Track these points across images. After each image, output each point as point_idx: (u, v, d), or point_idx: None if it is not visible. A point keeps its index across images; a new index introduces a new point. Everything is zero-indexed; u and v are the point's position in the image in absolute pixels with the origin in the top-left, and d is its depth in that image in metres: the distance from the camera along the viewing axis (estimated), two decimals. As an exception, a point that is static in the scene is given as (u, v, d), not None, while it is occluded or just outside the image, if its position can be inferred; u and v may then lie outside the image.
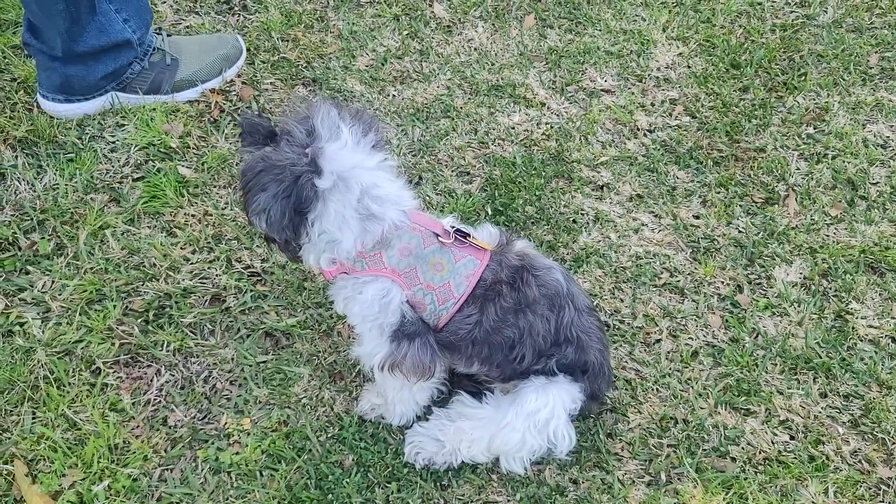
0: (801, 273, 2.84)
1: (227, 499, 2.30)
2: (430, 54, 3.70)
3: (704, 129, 3.34)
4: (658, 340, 2.67)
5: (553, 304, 2.23)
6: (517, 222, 2.99)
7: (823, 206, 3.05)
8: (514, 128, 3.36)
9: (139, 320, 2.66)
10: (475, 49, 3.73)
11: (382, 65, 3.63)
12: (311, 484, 2.33)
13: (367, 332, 2.23)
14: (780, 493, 2.31)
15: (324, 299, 2.76)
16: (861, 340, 2.66)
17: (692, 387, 2.54)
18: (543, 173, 3.16)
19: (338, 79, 3.54)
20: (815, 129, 3.34)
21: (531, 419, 2.21)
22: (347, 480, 2.33)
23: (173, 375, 2.56)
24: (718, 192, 3.10)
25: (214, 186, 3.09)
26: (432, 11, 3.91)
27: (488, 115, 3.41)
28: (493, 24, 3.86)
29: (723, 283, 2.82)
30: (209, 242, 2.90)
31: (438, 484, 2.35)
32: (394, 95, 3.49)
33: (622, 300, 2.78)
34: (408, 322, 2.19)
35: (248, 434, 2.43)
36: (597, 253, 2.90)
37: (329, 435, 2.44)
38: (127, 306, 2.69)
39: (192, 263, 2.84)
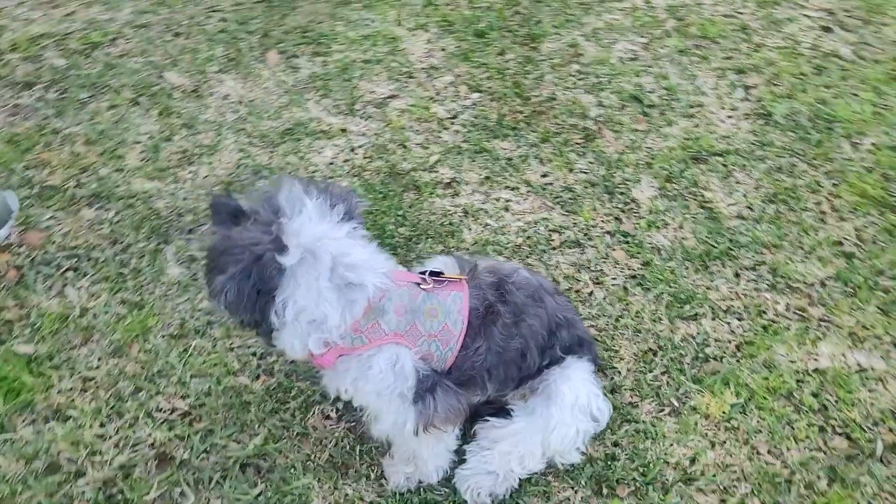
0: (652, 186, 3.16)
1: None
2: (196, 125, 3.45)
3: (496, 99, 3.52)
4: (590, 293, 2.82)
5: (535, 299, 2.28)
6: (400, 247, 2.95)
7: (630, 125, 3.39)
8: (332, 163, 3.28)
9: (100, 525, 2.25)
10: (239, 102, 3.55)
11: (156, 153, 3.32)
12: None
13: (387, 404, 2.12)
14: (764, 366, 2.62)
15: (276, 404, 2.54)
16: (730, 219, 3.04)
17: (643, 316, 2.75)
18: (391, 193, 3.14)
19: (120, 184, 3.18)
20: (579, 64, 3.68)
21: (576, 408, 2.26)
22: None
23: (180, 561, 2.22)
24: (546, 147, 3.31)
25: (72, 348, 2.67)
26: (168, 82, 3.63)
27: (300, 159, 3.29)
28: (238, 73, 3.68)
29: (603, 221, 3.05)
30: (112, 406, 2.52)
31: (511, 513, 2.33)
32: (190, 178, 3.22)
33: (538, 273, 2.89)
34: (423, 377, 2.12)
35: (305, 572, 2.19)
36: (488, 242, 2.97)
37: (383, 526, 2.29)
38: (75, 518, 2.26)
39: (110, 437, 2.45)
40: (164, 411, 2.52)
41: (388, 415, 2.14)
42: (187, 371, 2.61)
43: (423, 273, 2.20)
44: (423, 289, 2.14)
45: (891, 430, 2.48)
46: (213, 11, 4.06)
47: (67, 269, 2.89)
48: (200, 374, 2.60)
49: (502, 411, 2.38)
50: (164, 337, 2.71)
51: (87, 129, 3.41)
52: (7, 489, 2.31)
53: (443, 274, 2.21)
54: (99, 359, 2.64)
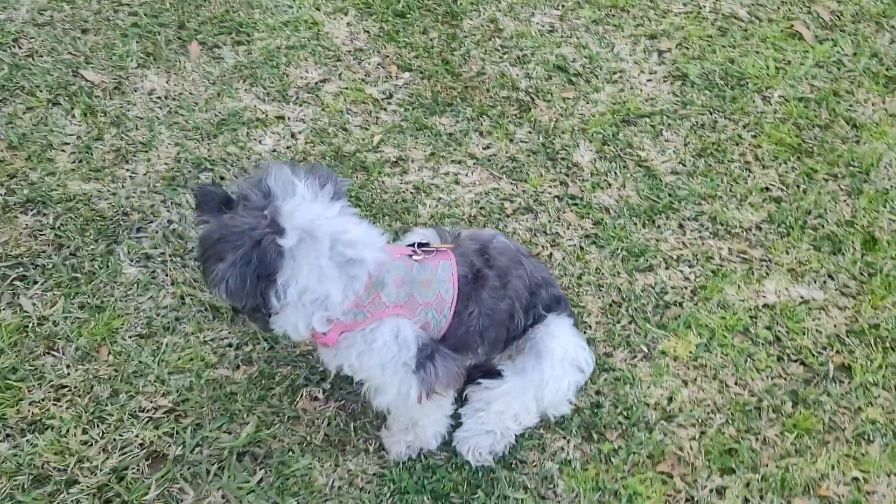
0: (590, 150, 3.30)
1: None
2: (125, 122, 3.35)
3: (427, 77, 3.58)
4: (550, 255, 2.95)
5: (515, 262, 2.38)
6: (358, 227, 2.98)
7: (559, 94, 3.53)
8: (274, 150, 3.27)
9: (105, 531, 2.21)
10: (167, 97, 3.47)
11: (89, 153, 3.21)
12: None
13: (392, 375, 2.17)
14: (720, 306, 2.81)
15: (262, 391, 2.54)
16: (665, 175, 3.22)
17: (603, 272, 2.89)
18: (340, 175, 3.16)
19: (55, 188, 3.07)
20: (501, 39, 3.78)
21: (566, 362, 2.37)
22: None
23: (195, 554, 2.20)
24: (484, 121, 3.40)
25: (35, 358, 2.58)
26: (86, 80, 3.51)
27: (241, 150, 3.26)
28: (159, 67, 3.59)
29: (551, 185, 3.17)
30: (93, 411, 2.46)
31: (511, 467, 2.42)
32: (130, 176, 3.14)
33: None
34: (423, 346, 2.19)
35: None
36: (444, 216, 3.04)
37: (391, 492, 2.34)
38: (76, 527, 2.21)
39: (97, 442, 2.40)
40: (148, 410, 2.49)
41: (392, 386, 2.19)
42: (164, 369, 2.57)
43: (412, 245, 2.26)
44: (416, 260, 2.20)
45: (838, 352, 2.72)
46: (121, 5, 3.92)
47: (14, 279, 2.78)
48: (178, 371, 2.57)
49: (490, 373, 2.47)
50: (132, 337, 2.66)
51: (6, 134, 3.25)
52: (-3, 508, 2.24)
53: (430, 245, 2.27)
54: (68, 366, 2.57)
